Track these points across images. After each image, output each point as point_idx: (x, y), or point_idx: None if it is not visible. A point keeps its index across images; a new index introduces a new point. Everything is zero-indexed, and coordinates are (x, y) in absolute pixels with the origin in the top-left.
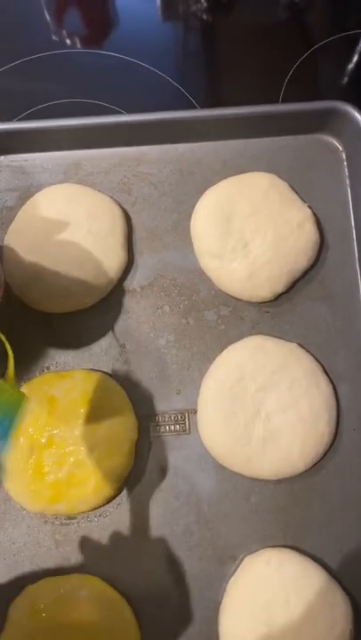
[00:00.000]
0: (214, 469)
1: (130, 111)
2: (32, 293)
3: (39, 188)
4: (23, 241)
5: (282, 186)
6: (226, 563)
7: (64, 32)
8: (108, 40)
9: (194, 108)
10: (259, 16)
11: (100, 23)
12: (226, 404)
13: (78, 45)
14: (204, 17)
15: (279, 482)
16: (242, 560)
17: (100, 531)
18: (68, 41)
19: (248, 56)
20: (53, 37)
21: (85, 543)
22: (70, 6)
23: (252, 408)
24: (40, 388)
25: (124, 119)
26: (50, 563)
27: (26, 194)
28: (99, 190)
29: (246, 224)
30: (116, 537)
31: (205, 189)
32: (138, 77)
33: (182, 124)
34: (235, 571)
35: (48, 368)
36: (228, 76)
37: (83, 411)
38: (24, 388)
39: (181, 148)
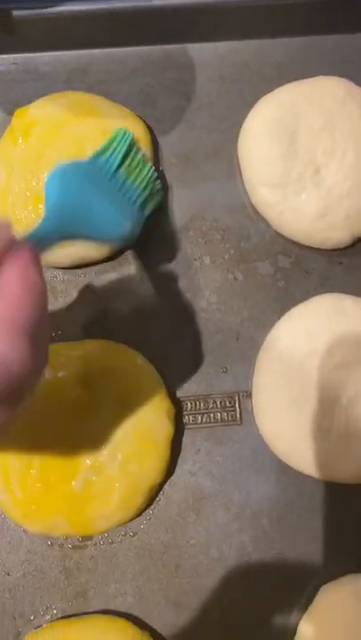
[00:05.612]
0: (275, 470)
1: None
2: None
3: (32, 99)
4: (9, 169)
5: None
6: (294, 594)
7: None
8: None
9: None
10: None
11: None
12: (293, 386)
13: None
14: None
15: None
16: (317, 590)
17: (126, 554)
18: None
19: None
20: None
21: (106, 572)
22: None
23: (330, 391)
24: None
25: (145, 4)
26: (58, 600)
27: (14, 108)
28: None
29: (317, 143)
30: (146, 562)
31: (256, 101)
32: None
33: (223, 13)
34: (307, 605)
35: (52, 339)
36: None
37: (101, 395)
38: None
39: (222, 47)
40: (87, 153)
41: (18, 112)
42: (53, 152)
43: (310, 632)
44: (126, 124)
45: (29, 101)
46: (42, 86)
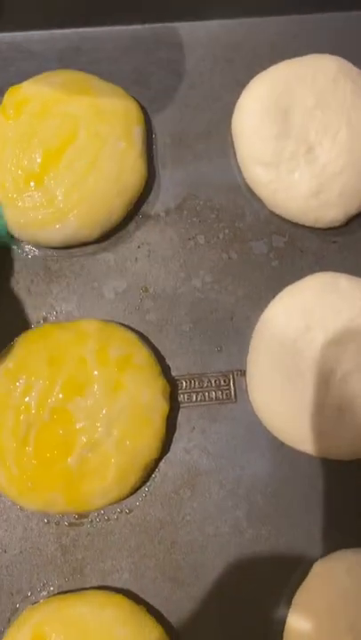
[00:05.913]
0: (270, 447)
1: None
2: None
3: (25, 78)
4: (0, 147)
5: (355, 72)
6: (289, 569)
7: None
8: None
9: None
10: None
11: None
12: (287, 363)
13: None
14: None
15: (358, 462)
16: (310, 565)
17: (122, 531)
18: None
19: None
20: None
21: (102, 548)
22: None
23: (324, 369)
24: (37, 344)
25: None
26: (55, 576)
27: (7, 86)
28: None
29: (310, 121)
30: (142, 539)
31: (249, 80)
32: None
33: None
34: (301, 580)
35: (46, 319)
36: None
37: (96, 374)
38: (15, 347)
39: (215, 26)
40: (79, 132)
41: (10, 90)
42: (45, 130)
43: (304, 606)
44: (119, 102)
45: (22, 80)
46: (34, 65)
